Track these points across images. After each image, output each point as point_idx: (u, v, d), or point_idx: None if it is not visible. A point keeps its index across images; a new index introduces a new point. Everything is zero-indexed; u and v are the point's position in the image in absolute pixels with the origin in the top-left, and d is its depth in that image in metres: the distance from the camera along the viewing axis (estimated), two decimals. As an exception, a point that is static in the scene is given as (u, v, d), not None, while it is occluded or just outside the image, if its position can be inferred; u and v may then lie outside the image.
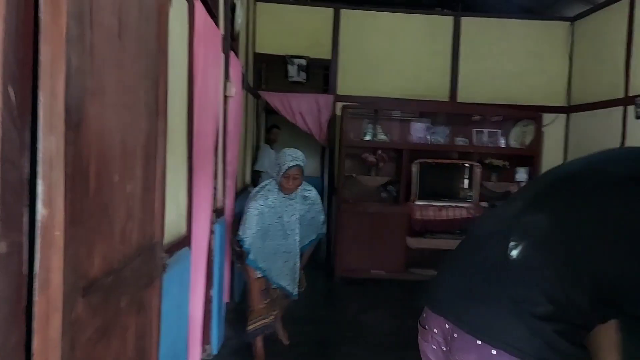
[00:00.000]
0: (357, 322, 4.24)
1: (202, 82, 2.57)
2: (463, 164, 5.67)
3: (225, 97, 3.50)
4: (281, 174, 3.10)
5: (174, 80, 2.03)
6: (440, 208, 5.44)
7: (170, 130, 1.98)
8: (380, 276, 5.41)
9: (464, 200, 5.59)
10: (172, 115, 2.02)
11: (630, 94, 4.94)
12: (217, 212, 3.31)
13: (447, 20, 6.12)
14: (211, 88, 2.77)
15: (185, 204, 2.36)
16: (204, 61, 2.57)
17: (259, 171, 6.29)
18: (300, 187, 3.26)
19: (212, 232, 3.12)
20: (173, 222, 2.11)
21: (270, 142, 6.53)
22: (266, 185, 3.24)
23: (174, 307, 2.12)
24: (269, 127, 6.63)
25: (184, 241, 2.30)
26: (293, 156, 3.14)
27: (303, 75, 6.02)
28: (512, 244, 1.19)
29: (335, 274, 5.42)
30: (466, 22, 6.09)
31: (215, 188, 3.20)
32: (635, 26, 4.94)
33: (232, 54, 3.65)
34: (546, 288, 1.13)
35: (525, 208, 1.28)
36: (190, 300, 2.56)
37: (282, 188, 3.16)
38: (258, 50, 6.03)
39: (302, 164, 3.16)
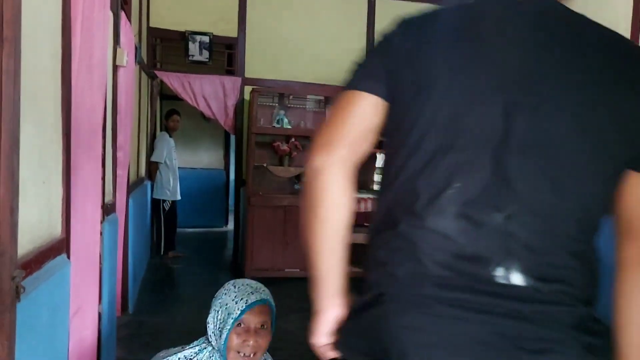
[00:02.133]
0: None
1: (84, 34, 1.95)
2: (375, 152, 5.37)
3: (116, 67, 2.85)
4: (228, 327, 1.45)
5: (38, 14, 1.42)
6: (358, 200, 5.09)
7: (33, 88, 1.38)
8: (295, 275, 4.96)
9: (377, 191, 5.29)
10: (36, 66, 1.41)
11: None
12: (107, 209, 2.67)
13: (362, 2, 5.78)
14: (97, 47, 2.15)
15: (60, 196, 1.74)
16: (88, 9, 1.95)
17: (156, 162, 5.58)
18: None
19: (100, 232, 2.49)
20: (38, 222, 1.50)
21: (168, 130, 5.83)
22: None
23: (45, 339, 1.51)
24: (168, 113, 5.92)
25: (59, 247, 1.68)
26: (252, 287, 1.55)
27: (206, 54, 5.40)
28: None
29: (245, 274, 4.88)
30: (380, 4, 5.79)
31: (103, 178, 2.57)
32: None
33: (123, 16, 3.00)
34: None
35: None
36: (75, 322, 1.94)
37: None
38: (153, 25, 5.31)
39: (269, 299, 1.56)
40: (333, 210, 0.93)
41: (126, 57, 2.85)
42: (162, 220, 5.67)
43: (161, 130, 5.95)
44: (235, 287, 1.53)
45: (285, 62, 5.58)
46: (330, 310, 0.96)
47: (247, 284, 1.56)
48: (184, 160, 7.90)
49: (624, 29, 4.03)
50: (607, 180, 0.86)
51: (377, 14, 5.75)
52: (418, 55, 0.90)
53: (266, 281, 5.24)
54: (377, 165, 5.33)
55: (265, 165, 5.25)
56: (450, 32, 0.89)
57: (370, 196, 5.13)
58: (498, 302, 0.81)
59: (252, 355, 1.47)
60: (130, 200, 3.78)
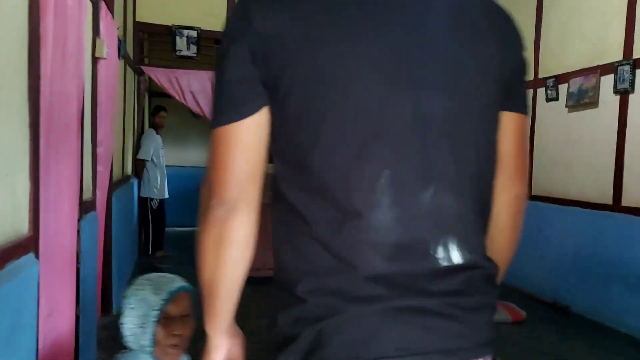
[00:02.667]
0: (259, 327, 3.65)
1: (57, 21, 1.84)
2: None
3: (95, 59, 2.74)
4: (152, 319, 1.38)
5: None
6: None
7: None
8: (285, 274, 4.85)
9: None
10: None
11: (541, 76, 4.81)
12: (85, 206, 2.56)
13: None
14: (71, 35, 2.04)
15: (27, 191, 1.63)
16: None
17: (143, 160, 5.46)
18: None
19: (78, 231, 2.38)
20: (0, 219, 1.39)
21: (155, 126, 5.71)
22: None
23: (7, 342, 1.41)
24: (154, 110, 5.80)
25: (25, 245, 1.57)
26: (168, 277, 1.51)
27: (194, 49, 5.29)
28: None
29: (234, 274, 4.78)
30: None
31: (81, 174, 2.46)
32: (545, 5, 4.81)
33: (103, 6, 2.89)
34: None
35: None
36: (49, 324, 1.83)
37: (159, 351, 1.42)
38: (139, 19, 5.20)
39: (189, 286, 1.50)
40: (241, 260, 0.88)
41: (106, 48, 2.74)
42: (149, 219, 5.55)
43: (149, 127, 5.82)
44: (149, 280, 1.46)
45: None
46: (223, 346, 0.94)
47: (161, 276, 1.51)
48: (172, 158, 7.79)
49: (618, 22, 3.96)
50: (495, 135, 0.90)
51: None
52: (299, 37, 0.78)
53: (257, 281, 5.14)
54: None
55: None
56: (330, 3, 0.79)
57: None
58: (445, 281, 0.81)
59: (179, 345, 1.43)
60: (114, 198, 3.66)
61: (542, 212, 4.70)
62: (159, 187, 5.53)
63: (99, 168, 2.81)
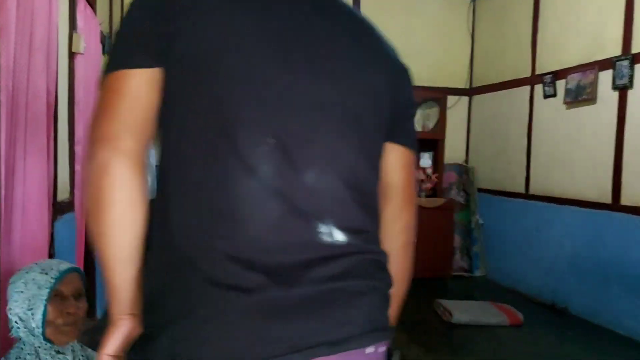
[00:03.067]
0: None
1: (21, 12, 1.74)
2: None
3: (73, 54, 2.64)
4: (43, 298, 1.32)
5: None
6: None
7: None
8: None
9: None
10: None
11: (538, 72, 4.70)
12: (61, 207, 2.46)
13: (345, -8, 5.57)
14: (39, 27, 1.93)
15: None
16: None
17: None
18: None
19: (51, 235, 2.28)
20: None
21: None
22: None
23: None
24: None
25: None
26: (56, 260, 1.54)
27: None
28: None
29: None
30: (366, -5, 5.59)
31: (55, 174, 2.35)
32: (541, 0, 4.70)
33: (81, 0, 2.78)
34: None
35: None
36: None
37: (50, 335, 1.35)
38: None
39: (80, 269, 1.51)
40: (125, 214, 0.79)
41: (84, 43, 2.63)
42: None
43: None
44: (36, 264, 1.41)
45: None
46: (122, 325, 0.82)
47: (48, 260, 1.53)
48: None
49: (616, 17, 3.86)
50: (380, 134, 0.93)
51: (362, 5, 5.55)
52: (200, 11, 0.79)
53: None
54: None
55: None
56: None
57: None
58: (328, 265, 0.79)
59: (73, 325, 1.38)
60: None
61: (540, 211, 4.60)
62: (148, 187, 5.42)
63: (77, 167, 2.71)
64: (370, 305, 0.83)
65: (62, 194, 2.48)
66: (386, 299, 0.88)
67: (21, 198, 1.90)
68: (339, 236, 0.81)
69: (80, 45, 2.62)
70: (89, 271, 3.35)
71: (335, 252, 0.80)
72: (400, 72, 0.98)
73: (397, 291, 0.97)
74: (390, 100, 0.92)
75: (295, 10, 0.84)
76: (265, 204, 0.77)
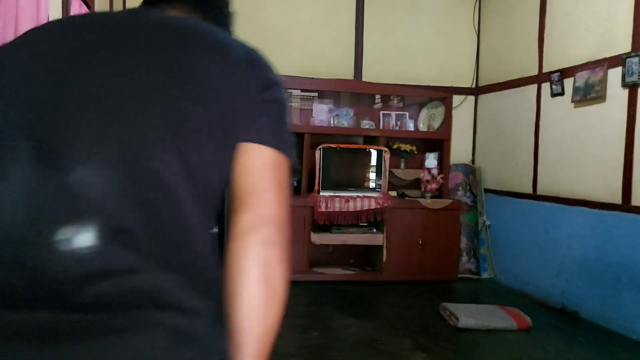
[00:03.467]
0: (254, 338, 3.48)
1: (1, 9, 1.68)
2: (370, 149, 5.10)
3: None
4: None
5: None
6: (347, 199, 4.81)
7: None
8: (280, 279, 4.68)
9: (372, 189, 5.01)
10: None
11: (545, 70, 4.61)
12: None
13: (349, -10, 5.51)
14: (24, 26, 1.87)
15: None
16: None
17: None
18: None
19: None
20: None
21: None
22: None
23: None
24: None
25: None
26: None
27: (186, 47, 5.13)
28: None
29: (227, 279, 4.61)
30: (370, -7, 5.52)
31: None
32: (549, -4, 4.61)
33: (78, -1, 2.73)
34: None
35: None
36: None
37: None
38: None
39: None
40: None
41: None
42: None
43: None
44: None
45: (269, 55, 5.15)
46: None
47: None
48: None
49: (626, 12, 3.77)
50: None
51: (367, 2, 5.48)
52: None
53: None
54: (372, 163, 5.06)
55: (248, 163, 4.98)
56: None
57: (363, 194, 4.86)
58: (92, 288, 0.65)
59: None
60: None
61: (548, 212, 4.50)
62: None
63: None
64: (136, 346, 0.64)
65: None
66: (171, 339, 0.67)
67: None
68: (87, 242, 0.67)
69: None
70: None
71: (81, 268, 0.66)
72: (239, 62, 0.86)
73: (253, 328, 0.75)
74: (221, 95, 0.81)
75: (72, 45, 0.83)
76: (5, 210, 0.69)
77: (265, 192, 0.82)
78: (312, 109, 5.21)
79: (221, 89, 0.82)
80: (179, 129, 0.77)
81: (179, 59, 0.81)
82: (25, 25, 1.91)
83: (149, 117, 0.76)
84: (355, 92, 5.27)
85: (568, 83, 4.32)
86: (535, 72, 4.75)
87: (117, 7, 4.73)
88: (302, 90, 5.15)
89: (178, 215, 0.75)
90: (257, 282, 0.76)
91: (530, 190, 4.78)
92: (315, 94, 5.22)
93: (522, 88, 4.93)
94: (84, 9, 2.84)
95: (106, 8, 4.15)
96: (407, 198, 5.08)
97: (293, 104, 5.19)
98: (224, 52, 0.86)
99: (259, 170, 0.83)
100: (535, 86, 4.75)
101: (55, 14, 2.57)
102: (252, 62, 0.88)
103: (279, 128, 0.87)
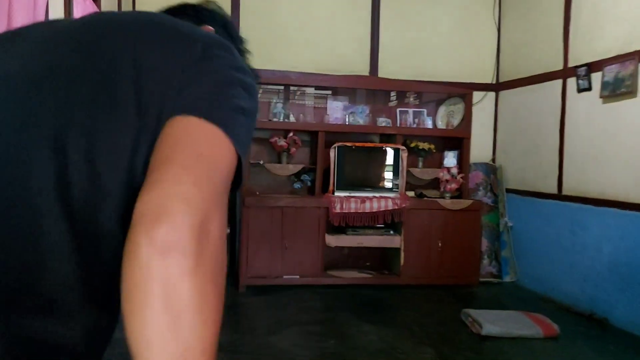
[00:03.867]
0: (268, 346, 3.32)
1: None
2: (386, 147, 4.92)
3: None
4: None
5: None
6: (363, 199, 4.64)
7: None
8: (294, 282, 4.54)
9: (389, 189, 4.83)
10: None
11: (571, 64, 4.39)
12: None
13: (364, -16, 5.33)
14: (19, 22, 1.73)
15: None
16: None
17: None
18: None
19: None
20: None
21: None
22: None
23: None
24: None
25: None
26: None
27: (197, 44, 4.99)
28: None
29: (240, 282, 4.47)
30: (386, -14, 5.34)
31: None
32: (575, -13, 4.40)
33: (81, -9, 2.59)
34: None
35: None
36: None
37: None
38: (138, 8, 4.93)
39: None
40: None
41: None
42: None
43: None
44: None
45: (282, 51, 5.15)
46: None
47: None
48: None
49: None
50: None
51: (382, -4, 5.31)
52: None
53: (263, 290, 4.73)
54: (388, 162, 4.88)
55: (261, 162, 4.83)
56: None
57: (380, 195, 4.69)
58: None
59: None
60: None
61: (574, 213, 4.29)
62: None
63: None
64: None
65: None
66: None
67: None
68: None
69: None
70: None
71: None
72: (180, 42, 0.73)
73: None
74: (127, 67, 0.67)
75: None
76: None
77: (174, 165, 0.58)
78: (326, 107, 5.04)
79: (151, 68, 0.68)
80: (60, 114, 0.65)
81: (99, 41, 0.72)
82: (22, 21, 1.77)
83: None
84: (370, 89, 5.10)
85: (596, 78, 4.10)
86: (560, 66, 4.53)
87: (126, 6, 4.62)
88: (316, 88, 4.99)
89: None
90: (151, 307, 0.52)
91: (555, 190, 4.58)
92: (330, 91, 5.06)
93: (546, 83, 4.71)
94: (89, 2, 2.71)
95: (114, 7, 4.02)
96: (425, 198, 4.89)
97: (307, 102, 5.03)
98: (171, 37, 0.74)
99: (174, 139, 0.61)
100: (560, 81, 4.53)
101: (57, 11, 2.44)
102: (193, 41, 0.73)
103: (212, 97, 0.67)
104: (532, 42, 4.95)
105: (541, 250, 4.73)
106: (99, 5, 3.19)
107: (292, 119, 4.89)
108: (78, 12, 2.48)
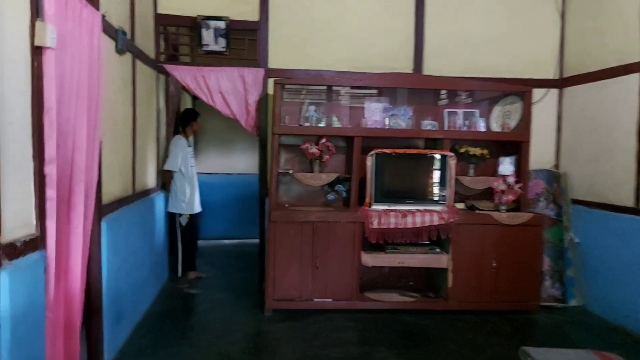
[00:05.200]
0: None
1: None
2: (432, 154, 4.35)
3: (38, 48, 2.06)
4: None
5: None
6: (405, 213, 4.10)
7: None
8: (326, 306, 4.05)
9: (435, 202, 4.27)
10: None
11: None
12: (12, 250, 1.87)
13: (407, -29, 4.78)
14: None
15: None
16: None
17: (170, 171, 4.83)
18: None
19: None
20: None
21: (184, 132, 5.05)
22: None
23: None
24: (183, 114, 5.15)
25: None
26: None
27: (222, 42, 4.60)
28: None
29: (266, 305, 4.03)
30: (432, -28, 4.78)
31: None
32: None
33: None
34: None
35: None
36: None
37: None
38: (162, 10, 4.58)
39: None
40: None
41: (51, 35, 2.05)
42: (177, 237, 4.92)
43: (176, 133, 5.14)
44: None
45: (315, 48, 4.68)
46: None
47: None
48: (217, 165, 7.25)
49: None
50: None
51: (428, -16, 4.75)
52: None
53: (291, 315, 4.15)
54: (434, 171, 4.32)
55: (290, 172, 4.38)
56: None
57: (424, 207, 4.15)
58: None
59: None
60: (109, 224, 3.01)
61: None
62: (187, 200, 4.88)
63: (49, 193, 2.13)
64: None
65: (13, 233, 1.89)
66: None
67: None
68: None
69: (47, 36, 2.04)
70: (94, 317, 2.81)
71: None
72: None
73: None
74: None
75: None
76: None
77: None
78: (363, 109, 4.53)
79: None
80: None
81: None
82: None
83: None
84: (414, 88, 4.53)
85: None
86: (636, 58, 3.85)
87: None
88: (352, 88, 4.48)
89: None
90: None
91: (631, 203, 3.89)
92: (368, 92, 4.54)
93: (619, 78, 4.03)
94: (88, 9, 2.34)
95: (126, 3, 3.66)
96: (477, 211, 4.30)
97: (342, 104, 4.54)
98: None
99: None
100: (636, 75, 3.85)
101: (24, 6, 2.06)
102: None
103: None
104: (603, 31, 4.26)
105: (613, 272, 4.05)
106: (96, 6, 2.82)
107: (325, 123, 4.40)
108: (50, 8, 2.10)
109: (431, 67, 4.74)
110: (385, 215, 4.07)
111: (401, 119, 4.51)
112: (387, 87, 4.46)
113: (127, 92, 3.63)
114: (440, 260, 4.18)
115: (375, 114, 4.51)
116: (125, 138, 3.60)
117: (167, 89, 5.02)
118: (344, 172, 4.46)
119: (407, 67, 4.76)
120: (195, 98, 6.62)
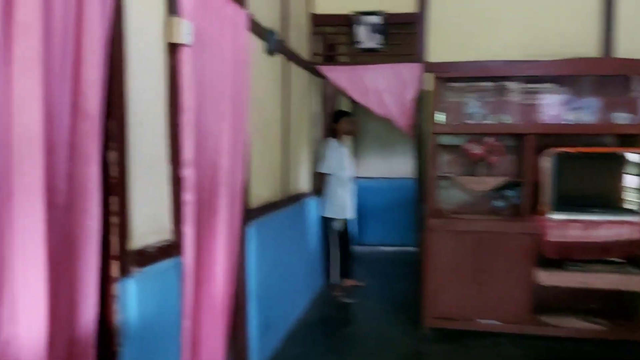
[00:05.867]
0: None
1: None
2: (625, 153, 3.60)
3: (173, 46, 1.98)
4: None
5: None
6: (588, 224, 3.44)
7: None
8: (492, 328, 3.56)
9: (629, 211, 3.51)
10: None
11: None
12: (141, 257, 1.79)
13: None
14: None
15: None
16: None
17: (323, 174, 4.69)
18: None
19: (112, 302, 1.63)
20: None
21: (337, 135, 4.85)
22: None
23: None
24: (336, 116, 4.96)
25: None
26: None
27: (378, 38, 4.34)
28: None
29: (423, 323, 3.66)
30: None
31: (122, 211, 1.70)
32: None
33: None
34: None
35: None
36: None
37: None
38: (316, 10, 4.48)
39: None
40: None
41: (187, 32, 1.96)
42: (331, 242, 4.76)
43: (330, 135, 4.98)
44: None
45: (480, 37, 4.21)
46: None
47: None
48: (377, 169, 7.02)
49: None
50: None
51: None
52: None
53: (451, 336, 3.67)
54: (626, 174, 3.59)
55: (452, 175, 3.95)
56: None
57: (615, 218, 3.46)
58: None
59: None
60: (254, 230, 2.92)
61: None
62: (341, 205, 4.69)
63: (188, 197, 2.04)
64: None
65: (142, 239, 1.81)
66: None
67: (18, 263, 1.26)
68: None
69: (181, 33, 1.95)
70: (238, 326, 2.72)
71: None
72: None
73: None
74: None
75: None
76: None
77: None
78: (536, 103, 3.92)
79: None
80: None
81: None
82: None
83: None
84: (603, 75, 3.81)
85: None
86: None
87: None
88: (524, 79, 3.90)
89: None
90: None
91: None
92: (544, 83, 3.92)
93: None
94: (231, 6, 2.26)
95: (276, 2, 3.59)
96: (688, 224, 3.45)
97: (512, 98, 3.98)
98: None
99: None
100: None
101: None
102: None
103: None
104: None
105: None
106: (242, 4, 2.74)
107: (491, 119, 3.89)
108: (189, 4, 2.02)
109: (626, 49, 3.96)
110: (565, 226, 3.45)
111: (585, 113, 3.81)
112: (567, 75, 3.80)
113: (278, 94, 3.55)
114: (634, 282, 3.43)
115: (552, 108, 3.87)
116: (276, 141, 3.52)
117: (323, 91, 4.91)
118: (514, 176, 3.90)
119: (591, 51, 4.05)
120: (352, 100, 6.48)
